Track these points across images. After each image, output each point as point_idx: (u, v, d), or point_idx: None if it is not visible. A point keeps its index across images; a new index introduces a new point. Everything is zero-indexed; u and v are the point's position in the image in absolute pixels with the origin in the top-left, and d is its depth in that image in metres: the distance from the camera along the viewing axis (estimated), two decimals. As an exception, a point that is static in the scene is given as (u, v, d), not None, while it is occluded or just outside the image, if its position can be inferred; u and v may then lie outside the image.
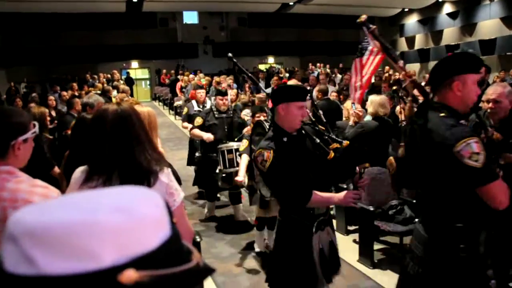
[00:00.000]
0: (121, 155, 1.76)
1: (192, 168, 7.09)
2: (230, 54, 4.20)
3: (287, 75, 14.33)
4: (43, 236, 0.48)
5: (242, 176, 4.44)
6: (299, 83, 5.98)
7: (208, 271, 0.56)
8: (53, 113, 8.07)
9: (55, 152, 4.87)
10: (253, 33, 24.61)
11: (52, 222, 0.49)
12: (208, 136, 5.33)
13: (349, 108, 5.20)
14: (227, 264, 4.52)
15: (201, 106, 6.69)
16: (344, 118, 5.97)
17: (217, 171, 5.13)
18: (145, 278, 0.48)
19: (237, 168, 4.71)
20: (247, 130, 4.78)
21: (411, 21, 25.93)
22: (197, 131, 5.52)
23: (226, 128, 5.40)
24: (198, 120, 5.45)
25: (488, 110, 3.63)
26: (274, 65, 24.00)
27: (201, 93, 6.93)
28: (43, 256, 0.48)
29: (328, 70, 16.27)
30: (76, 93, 11.12)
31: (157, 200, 0.55)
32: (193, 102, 6.84)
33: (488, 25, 21.17)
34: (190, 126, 5.81)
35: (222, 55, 24.31)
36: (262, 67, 22.77)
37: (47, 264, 0.48)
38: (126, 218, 0.50)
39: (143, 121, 2.00)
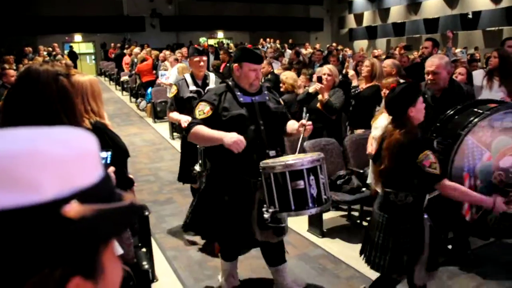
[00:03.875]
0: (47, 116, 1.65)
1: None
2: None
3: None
4: None
5: None
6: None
7: (142, 208, 0.57)
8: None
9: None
10: (202, 7, 24.05)
11: None
12: (186, 121, 3.54)
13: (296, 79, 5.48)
14: (178, 239, 4.45)
15: (200, 83, 4.25)
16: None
17: (266, 213, 2.62)
18: (88, 212, 0.47)
19: (311, 211, 2.74)
20: None
21: (360, -2, 26.29)
22: (175, 115, 4.12)
23: (262, 125, 2.93)
24: (205, 109, 2.92)
25: (428, 82, 3.75)
26: (224, 40, 23.68)
27: (201, 60, 4.25)
28: None
29: (278, 46, 16.23)
30: (13, 67, 10.45)
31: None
32: (187, 76, 4.29)
33: (432, 4, 21.85)
34: (184, 119, 3.74)
35: (170, 29, 23.83)
36: (211, 42, 22.41)
37: None
38: (66, 149, 0.49)
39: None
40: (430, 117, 3.67)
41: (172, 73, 9.12)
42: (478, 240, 4.07)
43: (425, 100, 3.69)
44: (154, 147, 8.52)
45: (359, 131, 4.95)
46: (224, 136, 2.70)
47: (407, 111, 2.57)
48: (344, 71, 7.18)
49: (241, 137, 2.69)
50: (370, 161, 4.12)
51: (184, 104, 4.09)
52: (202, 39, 18.26)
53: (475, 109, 3.30)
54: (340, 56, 12.63)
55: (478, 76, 4.77)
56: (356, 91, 5.04)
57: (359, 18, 26.71)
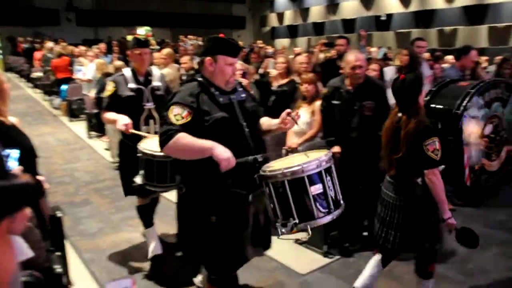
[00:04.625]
0: None
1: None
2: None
3: (157, 47, 13.81)
4: None
5: None
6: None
7: (37, 188, 0.53)
8: None
9: None
10: (122, 1, 23.21)
11: None
12: (125, 123, 3.33)
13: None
14: (95, 241, 4.26)
15: (142, 80, 3.66)
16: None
17: (282, 228, 2.27)
18: None
19: (334, 215, 2.40)
20: None
21: (281, -3, 26.81)
22: (112, 115, 3.51)
23: (245, 127, 2.51)
24: (182, 113, 2.35)
25: (351, 76, 3.84)
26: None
27: (144, 53, 3.67)
28: None
29: (201, 43, 16.08)
30: None
31: None
32: (127, 72, 3.67)
33: (350, 6, 22.82)
34: (123, 120, 3.36)
35: (87, 24, 22.72)
36: (130, 38, 21.68)
37: None
38: None
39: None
40: (345, 111, 3.84)
41: (90, 69, 8.73)
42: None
43: (340, 94, 3.87)
44: (70, 147, 8.08)
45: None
46: (215, 147, 2.23)
47: (418, 100, 2.77)
48: (262, 70, 7.24)
49: (231, 155, 2.26)
50: (289, 155, 4.21)
51: (122, 104, 3.52)
52: (145, 29, 16.10)
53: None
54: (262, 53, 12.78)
55: (389, 72, 5.05)
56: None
57: (280, 17, 27.24)
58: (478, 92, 4.12)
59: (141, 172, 3.25)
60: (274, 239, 2.57)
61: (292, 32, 26.05)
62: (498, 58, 6.85)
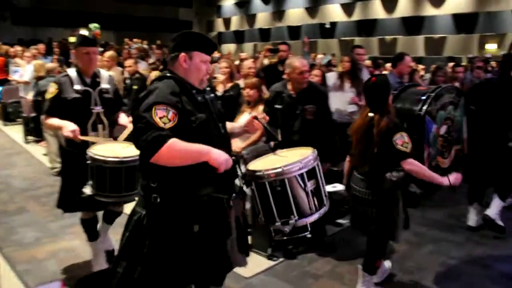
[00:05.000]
0: None
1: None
2: None
3: (101, 49, 13.41)
4: None
5: None
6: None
7: None
8: None
9: None
10: (64, 1, 22.35)
11: None
12: (72, 130, 3.07)
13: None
14: (31, 250, 4.04)
15: (89, 82, 3.38)
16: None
17: (285, 226, 2.32)
18: None
19: (326, 209, 2.48)
20: None
21: (228, 3, 26.91)
22: (55, 121, 3.23)
23: (221, 128, 2.39)
24: (168, 115, 2.10)
25: (297, 81, 3.90)
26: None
27: (91, 52, 3.37)
28: None
29: (146, 46, 15.79)
30: None
31: None
32: (72, 72, 3.36)
33: (295, 13, 23.30)
34: (69, 127, 3.09)
35: (25, 23, 21.64)
36: (73, 39, 20.94)
37: None
38: None
39: None
40: (287, 115, 3.90)
41: (27, 71, 8.33)
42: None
43: (283, 99, 3.93)
44: (5, 152, 7.65)
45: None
46: (211, 150, 2.10)
47: (388, 101, 3.02)
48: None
49: (228, 157, 2.17)
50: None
51: (66, 108, 3.22)
52: (93, 25, 14.99)
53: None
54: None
55: (331, 77, 5.19)
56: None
57: (227, 22, 27.34)
58: (437, 95, 4.42)
59: (91, 181, 2.97)
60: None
61: (239, 37, 26.21)
62: (433, 67, 7.24)
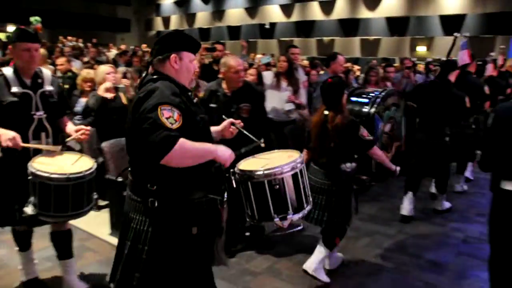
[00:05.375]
0: None
1: None
2: None
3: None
4: None
5: None
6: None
7: None
8: None
9: None
10: (-11, -4, 21.01)
11: None
12: (11, 137, 2.73)
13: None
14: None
15: (29, 83, 3.01)
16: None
17: (283, 221, 2.52)
18: None
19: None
20: None
21: (167, 2, 26.52)
22: None
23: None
24: (174, 115, 2.03)
25: (233, 79, 3.89)
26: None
27: (32, 49, 2.95)
28: None
29: (81, 44, 15.20)
30: None
31: None
32: (8, 72, 2.97)
33: (235, 13, 23.35)
34: (7, 135, 2.73)
35: None
36: (1, 35, 19.73)
37: None
38: None
39: None
40: (222, 113, 3.87)
41: None
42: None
43: (218, 97, 3.91)
44: None
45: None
46: (217, 147, 2.13)
47: (342, 100, 3.36)
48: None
49: (231, 151, 2.20)
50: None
51: (2, 114, 2.85)
52: (33, 19, 13.46)
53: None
54: (148, 58, 12.48)
55: (268, 77, 5.24)
56: None
57: (166, 21, 26.91)
58: (384, 97, 5.33)
59: (32, 199, 2.65)
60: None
61: (179, 37, 25.88)
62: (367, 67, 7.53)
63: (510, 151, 2.30)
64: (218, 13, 24.09)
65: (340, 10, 19.81)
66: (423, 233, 4.54)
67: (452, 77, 4.82)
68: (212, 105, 3.92)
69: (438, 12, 17.34)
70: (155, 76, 2.16)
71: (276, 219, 2.44)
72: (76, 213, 2.77)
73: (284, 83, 5.15)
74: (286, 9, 21.48)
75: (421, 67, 9.15)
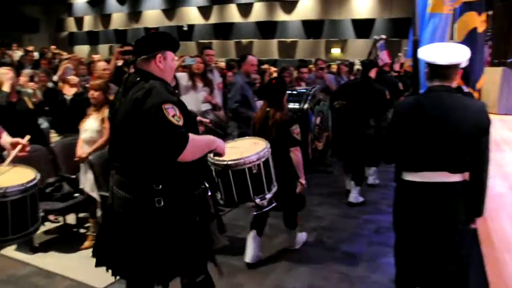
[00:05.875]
0: None
1: None
2: None
3: None
4: None
5: None
6: None
7: None
8: None
9: None
10: None
11: None
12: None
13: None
14: None
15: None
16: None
17: (262, 200, 2.91)
18: None
19: None
20: None
21: (80, 1, 25.28)
22: None
23: None
24: (177, 113, 2.14)
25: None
26: None
27: None
28: None
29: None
30: None
31: None
32: None
33: (152, 14, 22.86)
34: None
35: None
36: None
37: None
38: None
39: None
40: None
41: None
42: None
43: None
44: None
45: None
46: (216, 140, 2.34)
47: (283, 98, 3.74)
48: (56, 78, 6.70)
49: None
50: (81, 165, 3.96)
51: None
52: None
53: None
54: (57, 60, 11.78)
55: (183, 78, 5.16)
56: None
57: (79, 22, 25.67)
58: (313, 94, 6.06)
59: None
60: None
61: (93, 38, 24.79)
62: (280, 68, 7.73)
63: (408, 145, 2.45)
64: (135, 14, 23.42)
65: (258, 13, 20.12)
66: (339, 226, 4.72)
67: (373, 74, 5.40)
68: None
69: (350, 16, 18.23)
70: (141, 76, 2.21)
71: (257, 200, 2.83)
72: (18, 236, 2.35)
73: (199, 84, 5.11)
74: (204, 11, 21.42)
75: (334, 67, 9.56)
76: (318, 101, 6.12)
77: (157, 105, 2.04)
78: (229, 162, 2.75)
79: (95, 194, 3.90)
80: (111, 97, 4.08)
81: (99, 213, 3.93)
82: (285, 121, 3.67)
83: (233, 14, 20.76)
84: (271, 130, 3.64)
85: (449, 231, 2.42)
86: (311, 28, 19.02)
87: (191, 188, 2.29)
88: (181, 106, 2.14)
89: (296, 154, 3.68)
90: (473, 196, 2.39)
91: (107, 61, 7.75)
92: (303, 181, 3.74)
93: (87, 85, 4.69)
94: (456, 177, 2.38)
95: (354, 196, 5.36)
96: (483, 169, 2.36)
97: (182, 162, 2.10)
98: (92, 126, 4.00)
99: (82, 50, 22.12)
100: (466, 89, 3.95)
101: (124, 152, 2.19)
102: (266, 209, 3.06)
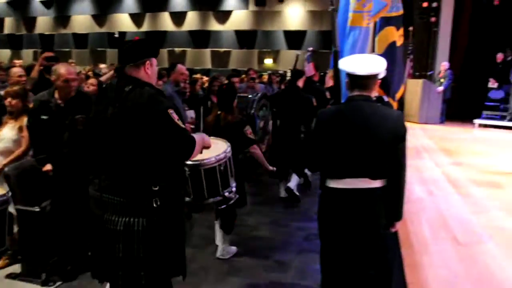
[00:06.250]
0: None
1: None
2: None
3: None
4: None
5: None
6: None
7: None
8: None
9: None
10: None
11: None
12: None
13: None
14: None
15: None
16: None
17: (229, 194, 3.26)
18: None
19: None
20: None
21: (-1, 2, 23.76)
22: None
23: None
24: (177, 116, 2.37)
25: (63, 89, 3.60)
26: None
27: None
28: None
29: None
30: None
31: None
32: None
33: (81, 20, 21.98)
34: None
35: None
36: None
37: None
38: None
39: None
40: (56, 126, 3.56)
41: None
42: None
43: (50, 108, 3.58)
44: None
45: None
46: (203, 136, 2.55)
47: (233, 102, 4.03)
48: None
49: None
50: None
51: None
52: None
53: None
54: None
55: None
56: None
57: None
58: (258, 99, 6.50)
59: None
60: None
61: (15, 42, 23.35)
62: (210, 78, 7.75)
63: (331, 152, 2.51)
64: (62, 19, 22.38)
65: (191, 22, 20.01)
66: (270, 236, 4.75)
67: (300, 83, 5.90)
68: (43, 116, 3.57)
69: (283, 27, 18.63)
70: (133, 82, 2.26)
71: (226, 193, 3.09)
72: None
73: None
74: (136, 18, 20.95)
75: (265, 77, 9.71)
76: (261, 106, 6.63)
77: (164, 112, 2.18)
78: (203, 161, 2.97)
79: (11, 209, 3.64)
80: (31, 105, 3.85)
81: (15, 229, 3.67)
82: (237, 123, 3.95)
83: (166, 23, 20.49)
84: (224, 132, 3.73)
85: (372, 236, 2.50)
86: (244, 38, 19.20)
87: (181, 188, 2.48)
88: (176, 110, 2.29)
89: (255, 151, 4.04)
90: (392, 200, 2.50)
91: (30, 66, 7.33)
92: (270, 167, 4.18)
93: (1, 92, 4.38)
94: (376, 183, 2.47)
95: (293, 185, 5.69)
96: (400, 175, 2.47)
97: (176, 163, 2.37)
98: (8, 135, 3.76)
99: (2, 54, 20.76)
100: (386, 98, 4.15)
101: (120, 157, 2.24)
102: (232, 201, 3.23)
